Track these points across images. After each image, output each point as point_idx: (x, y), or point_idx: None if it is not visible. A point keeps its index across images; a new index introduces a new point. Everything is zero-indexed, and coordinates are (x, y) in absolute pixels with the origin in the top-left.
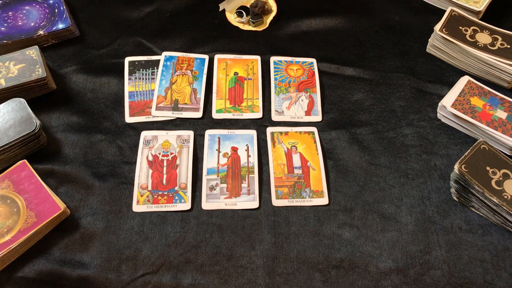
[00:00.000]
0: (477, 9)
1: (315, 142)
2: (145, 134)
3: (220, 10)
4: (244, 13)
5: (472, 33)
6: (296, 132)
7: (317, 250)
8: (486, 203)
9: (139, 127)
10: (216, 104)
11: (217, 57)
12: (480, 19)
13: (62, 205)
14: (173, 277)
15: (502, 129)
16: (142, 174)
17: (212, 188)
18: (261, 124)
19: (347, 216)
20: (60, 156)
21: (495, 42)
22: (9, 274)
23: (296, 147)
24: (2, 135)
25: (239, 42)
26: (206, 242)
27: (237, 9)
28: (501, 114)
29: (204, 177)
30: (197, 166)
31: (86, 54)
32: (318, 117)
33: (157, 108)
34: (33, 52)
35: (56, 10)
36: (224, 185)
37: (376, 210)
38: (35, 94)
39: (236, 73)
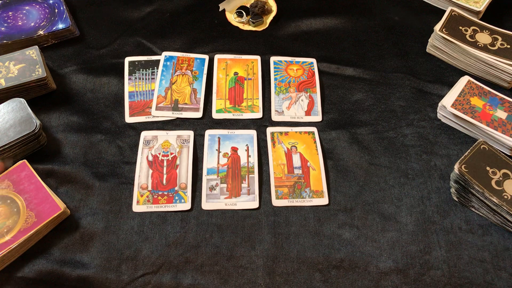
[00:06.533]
0: (477, 9)
1: (315, 142)
2: (145, 134)
3: (220, 10)
4: (244, 13)
5: (472, 33)
6: (296, 132)
7: (317, 250)
8: (486, 203)
9: (139, 127)
10: (216, 104)
11: (217, 57)
12: (480, 19)
13: (62, 205)
14: (173, 277)
15: (502, 129)
16: (142, 174)
17: (212, 188)
18: (261, 124)
19: (347, 216)
20: (60, 156)
21: (495, 42)
22: (9, 274)
23: (296, 147)
24: (2, 135)
25: (239, 42)
26: (206, 242)
27: (237, 9)
28: (501, 114)
29: (204, 177)
30: (197, 166)
31: (86, 54)
32: (318, 117)
33: (157, 108)
34: (33, 52)
35: (56, 10)
36: (224, 185)
37: (376, 210)
38: (35, 94)
39: (236, 73)
